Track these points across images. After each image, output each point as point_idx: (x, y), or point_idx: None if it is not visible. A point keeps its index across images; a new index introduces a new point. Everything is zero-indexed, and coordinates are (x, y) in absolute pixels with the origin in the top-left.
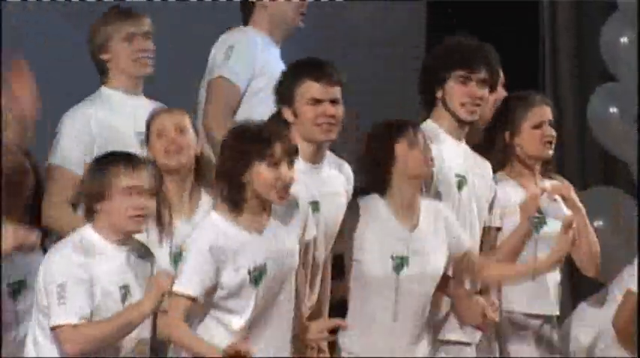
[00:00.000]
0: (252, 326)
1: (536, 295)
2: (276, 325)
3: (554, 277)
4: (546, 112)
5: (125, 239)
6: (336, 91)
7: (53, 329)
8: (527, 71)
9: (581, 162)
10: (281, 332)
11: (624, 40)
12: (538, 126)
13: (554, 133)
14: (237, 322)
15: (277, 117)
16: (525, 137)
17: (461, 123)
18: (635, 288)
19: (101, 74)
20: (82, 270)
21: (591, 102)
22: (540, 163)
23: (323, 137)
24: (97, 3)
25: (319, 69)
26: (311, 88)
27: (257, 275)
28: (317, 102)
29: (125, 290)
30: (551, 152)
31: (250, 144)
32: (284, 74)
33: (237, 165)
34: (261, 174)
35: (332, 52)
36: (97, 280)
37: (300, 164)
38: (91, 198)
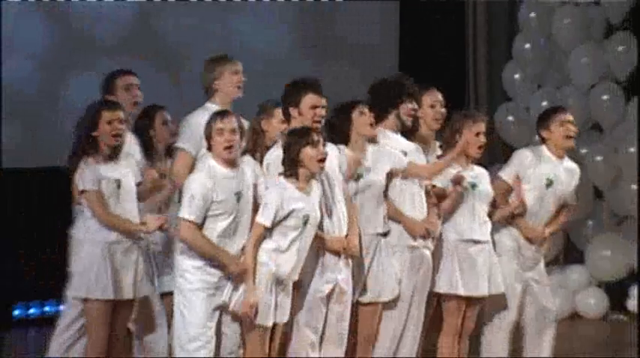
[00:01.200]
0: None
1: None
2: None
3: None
4: (482, 126)
5: (229, 163)
6: (325, 101)
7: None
8: (457, 92)
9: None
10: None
11: (517, 77)
12: (477, 134)
13: (484, 140)
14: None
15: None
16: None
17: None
18: (503, 175)
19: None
20: (207, 190)
21: (497, 113)
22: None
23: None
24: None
25: (318, 86)
26: (313, 99)
27: (305, 220)
28: (315, 107)
29: (238, 195)
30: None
31: (300, 136)
32: (293, 85)
33: (293, 149)
34: (308, 152)
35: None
36: (218, 191)
37: None
38: (207, 139)
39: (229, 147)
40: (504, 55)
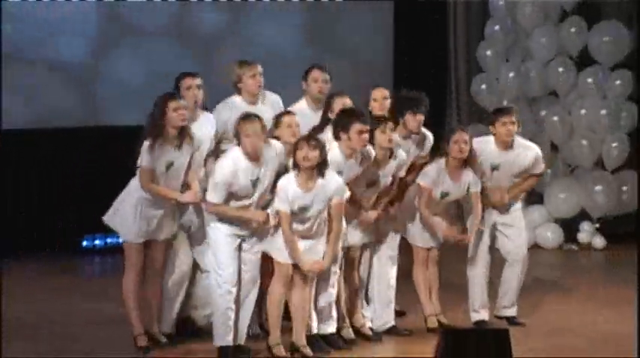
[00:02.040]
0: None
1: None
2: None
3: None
4: (463, 136)
5: (253, 157)
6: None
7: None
8: (441, 67)
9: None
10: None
11: (488, 53)
12: (456, 142)
13: (466, 148)
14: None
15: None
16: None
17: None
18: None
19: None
20: (230, 176)
21: (472, 82)
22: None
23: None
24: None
25: (364, 116)
26: (360, 127)
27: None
28: (361, 133)
29: (255, 181)
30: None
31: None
32: (343, 113)
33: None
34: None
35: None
36: (240, 177)
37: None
38: (236, 136)
39: (255, 148)
40: (478, 36)
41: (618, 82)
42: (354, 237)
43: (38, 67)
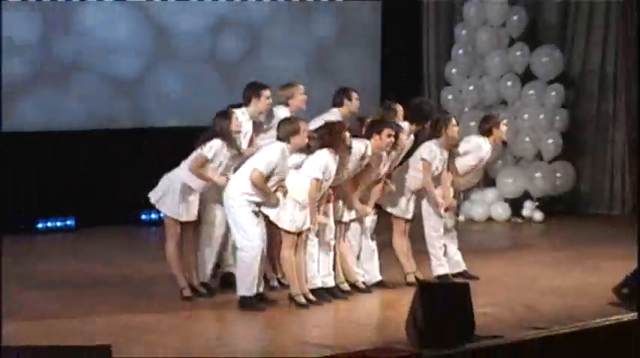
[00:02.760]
0: None
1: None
2: None
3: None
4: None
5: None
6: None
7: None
8: (417, 81)
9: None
10: None
11: (454, 71)
12: (454, 126)
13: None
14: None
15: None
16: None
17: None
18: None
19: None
20: (277, 162)
21: (441, 93)
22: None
23: None
24: None
25: (394, 123)
26: (390, 131)
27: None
28: (390, 136)
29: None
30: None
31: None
32: (376, 121)
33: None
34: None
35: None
36: (281, 165)
37: None
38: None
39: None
40: (446, 58)
41: (553, 94)
42: (352, 213)
43: (97, 77)
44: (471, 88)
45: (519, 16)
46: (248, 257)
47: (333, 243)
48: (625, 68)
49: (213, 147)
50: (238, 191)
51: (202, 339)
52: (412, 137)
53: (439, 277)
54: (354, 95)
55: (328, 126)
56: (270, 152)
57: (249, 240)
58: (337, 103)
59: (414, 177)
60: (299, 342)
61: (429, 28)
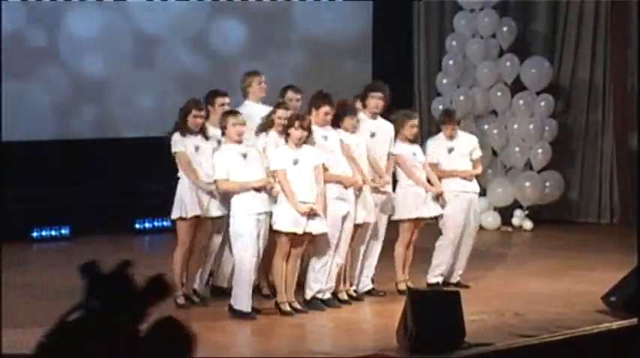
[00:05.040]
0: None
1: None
2: None
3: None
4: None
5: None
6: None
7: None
8: (409, 92)
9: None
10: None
11: (445, 81)
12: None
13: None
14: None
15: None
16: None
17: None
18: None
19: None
20: (223, 160)
21: (432, 103)
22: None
23: None
24: None
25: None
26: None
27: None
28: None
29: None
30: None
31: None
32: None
33: None
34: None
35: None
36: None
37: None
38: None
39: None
40: (437, 68)
41: (543, 104)
42: (358, 218)
43: (97, 85)
44: (461, 98)
45: (509, 28)
46: (242, 272)
47: (330, 251)
48: (613, 78)
49: (176, 141)
50: (241, 201)
51: (197, 348)
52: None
53: (430, 285)
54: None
55: (289, 118)
56: (215, 158)
57: (245, 254)
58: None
59: (403, 178)
60: (293, 350)
61: (420, 39)
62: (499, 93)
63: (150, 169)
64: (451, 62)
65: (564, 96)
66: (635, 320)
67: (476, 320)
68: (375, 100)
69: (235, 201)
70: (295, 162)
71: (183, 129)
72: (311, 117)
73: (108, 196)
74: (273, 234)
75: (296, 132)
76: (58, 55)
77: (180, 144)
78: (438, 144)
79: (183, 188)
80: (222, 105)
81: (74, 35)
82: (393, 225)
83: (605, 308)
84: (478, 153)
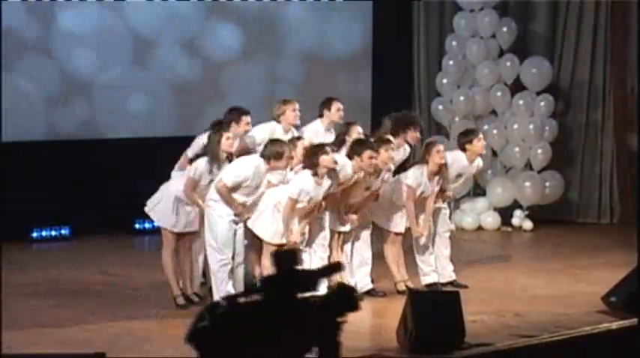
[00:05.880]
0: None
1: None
2: None
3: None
4: (440, 147)
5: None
6: None
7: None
8: (408, 92)
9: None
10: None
11: (445, 81)
12: (437, 152)
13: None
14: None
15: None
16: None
17: None
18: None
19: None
20: (246, 175)
21: (432, 103)
22: None
23: None
24: None
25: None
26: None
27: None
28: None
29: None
30: None
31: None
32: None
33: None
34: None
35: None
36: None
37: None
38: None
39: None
40: (437, 68)
41: (543, 104)
42: (345, 225)
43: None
44: (461, 98)
45: (509, 28)
46: (216, 266)
47: (326, 253)
48: (613, 79)
49: (199, 169)
50: (217, 198)
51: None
52: (407, 148)
53: (428, 286)
54: (335, 105)
55: (312, 147)
56: (243, 165)
57: (219, 250)
58: (320, 114)
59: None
60: None
61: (420, 39)
62: (499, 94)
63: (150, 169)
64: (451, 62)
65: (564, 97)
66: (635, 321)
67: (476, 321)
68: (414, 134)
69: (212, 204)
70: (308, 201)
71: (214, 158)
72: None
73: (108, 196)
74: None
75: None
76: (52, 52)
77: (200, 174)
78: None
79: (169, 198)
80: (248, 124)
81: (72, 34)
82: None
83: (605, 308)
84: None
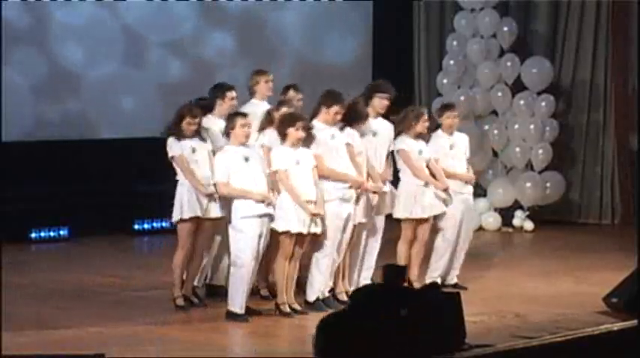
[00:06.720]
0: None
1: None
2: None
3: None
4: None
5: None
6: None
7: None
8: (409, 92)
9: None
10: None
11: (445, 81)
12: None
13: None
14: None
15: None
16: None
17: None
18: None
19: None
20: (226, 163)
21: (433, 103)
22: None
23: None
24: None
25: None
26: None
27: None
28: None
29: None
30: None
31: None
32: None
33: None
34: None
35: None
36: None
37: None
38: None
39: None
40: (437, 68)
41: (543, 104)
42: (356, 218)
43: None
44: (462, 98)
45: (510, 28)
46: (239, 272)
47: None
48: (614, 79)
49: (170, 145)
50: (244, 202)
51: (197, 349)
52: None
53: (429, 285)
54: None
55: (284, 118)
56: (218, 157)
57: (244, 254)
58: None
59: (407, 175)
60: (293, 352)
61: (420, 39)
62: (500, 94)
63: (149, 170)
64: (451, 62)
65: (565, 97)
66: (636, 322)
67: (476, 322)
68: (382, 101)
69: (237, 201)
70: (297, 163)
71: (178, 134)
72: (320, 115)
73: (107, 197)
74: (272, 235)
75: (296, 133)
76: (49, 50)
77: (176, 148)
78: (439, 140)
79: (183, 190)
80: (232, 99)
81: (71, 33)
82: (396, 224)
83: (606, 309)
84: (468, 153)
